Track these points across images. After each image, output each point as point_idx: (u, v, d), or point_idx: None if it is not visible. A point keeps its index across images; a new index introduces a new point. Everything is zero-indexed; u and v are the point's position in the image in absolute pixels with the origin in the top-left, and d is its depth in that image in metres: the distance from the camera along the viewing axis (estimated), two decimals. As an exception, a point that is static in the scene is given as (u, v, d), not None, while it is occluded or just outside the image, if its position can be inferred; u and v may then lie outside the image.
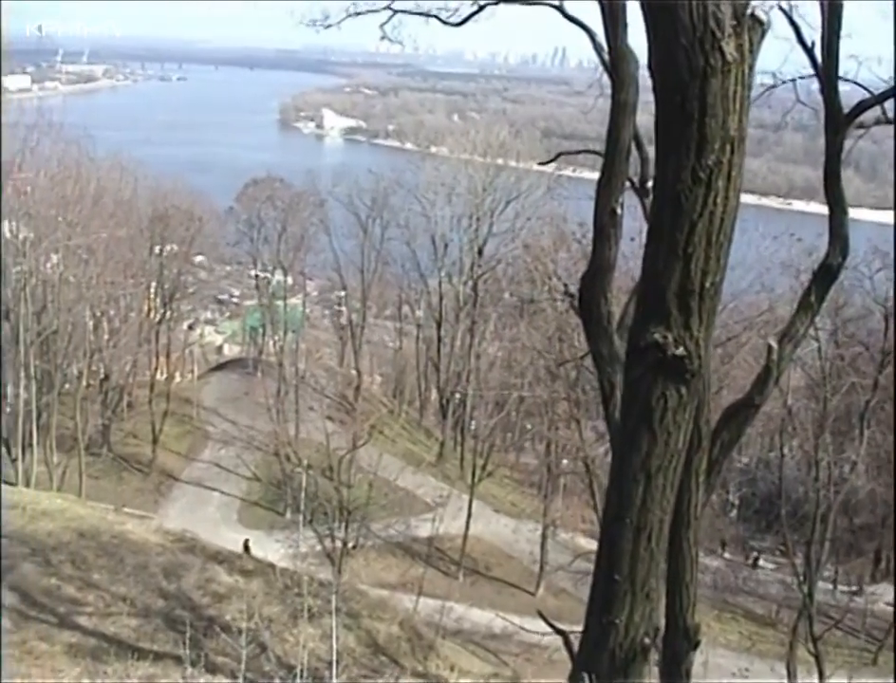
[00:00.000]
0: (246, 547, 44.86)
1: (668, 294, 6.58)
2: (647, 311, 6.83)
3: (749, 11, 6.08)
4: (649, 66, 6.30)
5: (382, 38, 19.42)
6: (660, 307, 6.67)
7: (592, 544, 53.60)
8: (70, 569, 32.53)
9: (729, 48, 5.97)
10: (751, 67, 6.20)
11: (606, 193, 13.22)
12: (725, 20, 5.92)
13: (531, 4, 17.39)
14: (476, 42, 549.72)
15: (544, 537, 57.50)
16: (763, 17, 6.17)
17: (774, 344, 12.39)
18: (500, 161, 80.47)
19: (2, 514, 33.56)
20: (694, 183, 6.27)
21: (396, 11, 18.37)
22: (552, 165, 70.63)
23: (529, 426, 78.76)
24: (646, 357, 6.87)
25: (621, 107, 12.99)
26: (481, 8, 17.39)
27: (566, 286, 25.06)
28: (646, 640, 8.44)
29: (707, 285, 6.54)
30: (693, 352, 6.73)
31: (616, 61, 13.34)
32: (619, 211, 13.26)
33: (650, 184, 16.04)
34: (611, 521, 8.02)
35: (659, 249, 6.62)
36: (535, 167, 77.75)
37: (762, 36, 6.24)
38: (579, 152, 22.60)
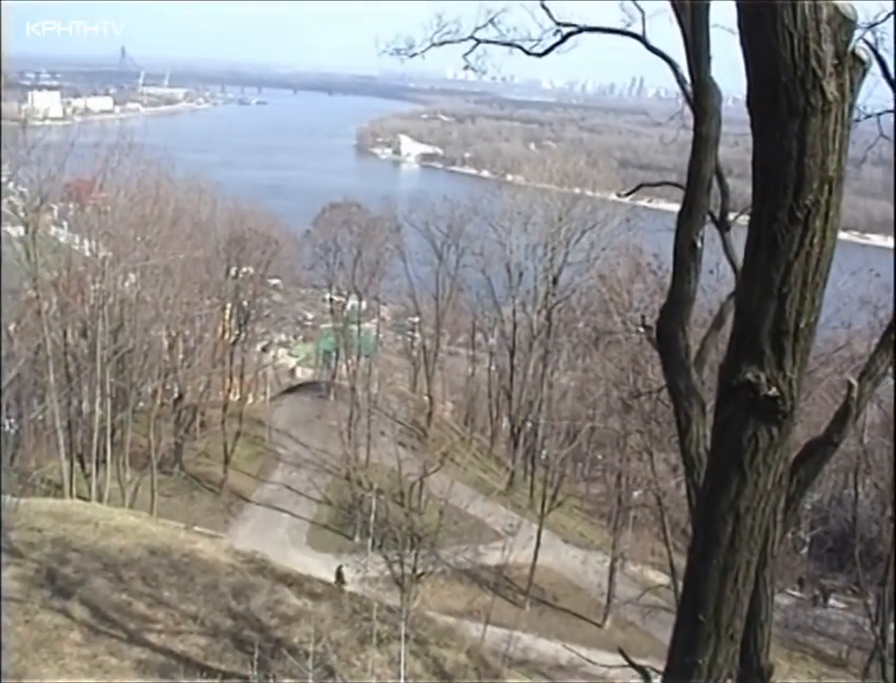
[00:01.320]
0: (339, 576, 44.71)
1: (762, 333, 6.51)
2: (740, 350, 6.76)
3: (850, 50, 6.02)
4: (747, 103, 6.24)
5: (466, 67, 19.41)
6: (753, 347, 6.59)
7: (661, 578, 53.41)
8: (141, 586, 32.81)
9: (830, 88, 5.91)
10: (851, 106, 6.14)
11: (686, 226, 13.14)
12: (827, 59, 5.86)
13: (613, 33, 17.33)
14: (554, 70, 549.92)
15: (612, 569, 57.08)
16: (864, 56, 6.11)
17: (854, 382, 12.23)
18: (576, 191, 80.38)
19: (6, 519, 33.84)
20: (791, 223, 6.20)
21: (479, 41, 18.36)
22: (620, 192, 70.51)
23: (600, 456, 78.30)
24: (738, 396, 6.79)
25: (703, 140, 12.93)
26: (564, 38, 17.34)
27: (643, 318, 24.81)
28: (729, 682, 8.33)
29: (802, 325, 6.47)
30: (786, 393, 6.65)
31: (699, 93, 13.28)
32: (699, 244, 13.19)
33: (730, 217, 15.94)
34: (697, 560, 7.92)
35: (753, 289, 6.56)
36: (612, 197, 77.63)
37: (863, 75, 6.17)
38: (659, 184, 22.44)
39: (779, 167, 6.21)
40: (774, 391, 6.70)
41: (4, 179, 67.69)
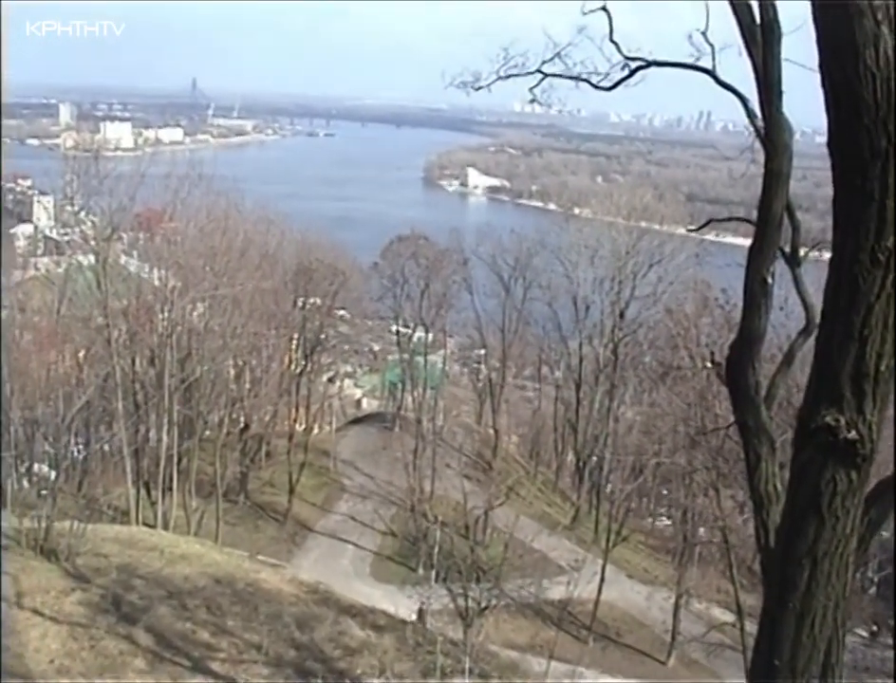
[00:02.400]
0: (421, 615, 44.61)
1: (842, 376, 6.43)
2: (819, 393, 6.68)
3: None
4: (828, 145, 6.18)
5: (532, 101, 19.36)
6: (833, 390, 6.51)
7: (727, 616, 52.83)
8: (205, 614, 32.90)
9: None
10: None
11: (757, 263, 13.04)
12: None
13: (682, 68, 17.23)
14: (621, 103, 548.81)
15: (677, 606, 56.51)
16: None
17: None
18: (644, 224, 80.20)
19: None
20: (872, 265, 6.11)
21: (546, 75, 18.32)
22: (689, 227, 70.22)
23: (665, 492, 77.76)
24: (817, 439, 6.71)
25: (774, 176, 12.83)
26: (632, 72, 17.28)
27: (712, 354, 24.68)
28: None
29: (882, 368, 6.38)
30: (865, 436, 6.56)
31: (770, 129, 13.18)
32: (770, 280, 13.08)
33: (801, 253, 15.81)
34: (773, 605, 7.82)
35: (833, 331, 6.48)
36: (679, 231, 77.35)
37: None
38: (729, 219, 22.28)
39: (861, 209, 6.13)
40: (853, 434, 6.61)
41: (75, 209, 68.70)
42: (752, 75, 13.43)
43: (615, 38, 16.82)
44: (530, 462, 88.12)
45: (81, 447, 72.76)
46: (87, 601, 32.61)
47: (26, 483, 70.05)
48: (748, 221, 14.50)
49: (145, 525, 57.57)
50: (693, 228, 65.89)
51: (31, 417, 71.62)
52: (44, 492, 44.17)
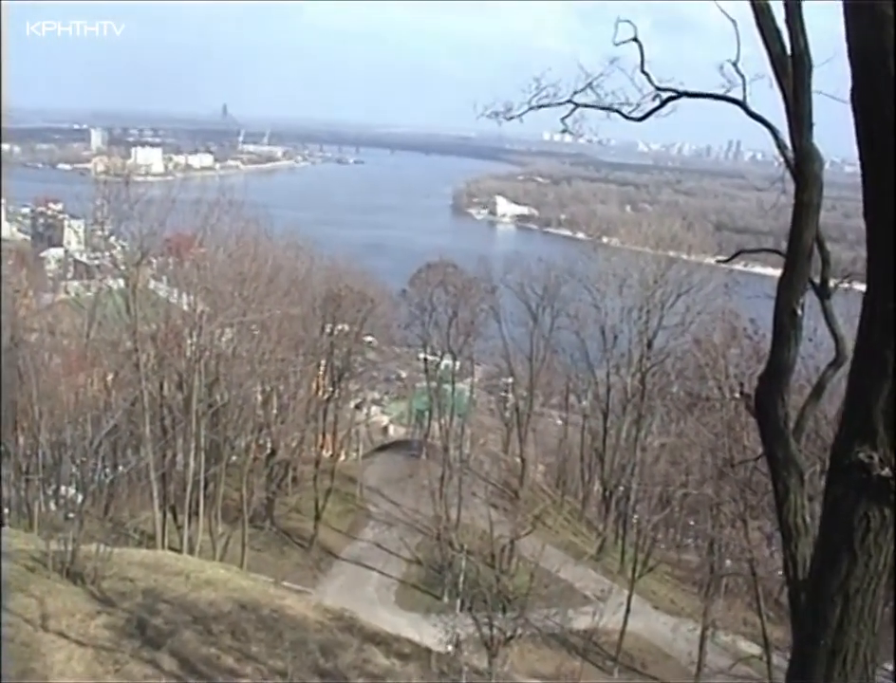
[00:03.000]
0: (457, 644, 44.42)
1: (875, 412, 6.39)
2: (852, 429, 6.64)
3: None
4: (863, 179, 6.15)
5: (563, 131, 19.37)
6: (866, 425, 6.47)
7: (753, 648, 52.45)
8: (230, 640, 32.91)
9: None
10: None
11: (786, 294, 13.00)
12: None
13: (713, 99, 17.22)
14: (651, 133, 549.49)
15: (703, 638, 56.09)
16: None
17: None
18: (672, 254, 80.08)
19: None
20: (907, 299, 6.09)
21: (578, 105, 18.33)
22: (719, 258, 70.09)
23: (692, 523, 77.44)
24: (850, 475, 6.66)
25: (804, 207, 12.79)
26: (663, 103, 17.29)
27: (741, 385, 24.54)
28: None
29: (917, 404, 6.35)
30: (900, 472, 6.53)
31: (801, 160, 13.15)
32: (799, 312, 13.04)
33: (831, 284, 15.75)
34: (805, 641, 7.76)
35: (866, 366, 6.44)
36: (707, 260, 77.17)
37: None
38: (759, 250, 22.27)
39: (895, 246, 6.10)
40: (887, 472, 6.57)
41: (106, 233, 69.07)
42: (782, 106, 13.43)
43: (646, 68, 16.86)
44: (556, 491, 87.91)
45: (108, 470, 72.97)
46: (113, 625, 32.66)
47: (53, 505, 70.43)
48: (778, 252, 14.45)
49: (171, 549, 57.64)
50: (723, 259, 65.61)
51: (59, 440, 71.98)
52: (71, 515, 44.33)
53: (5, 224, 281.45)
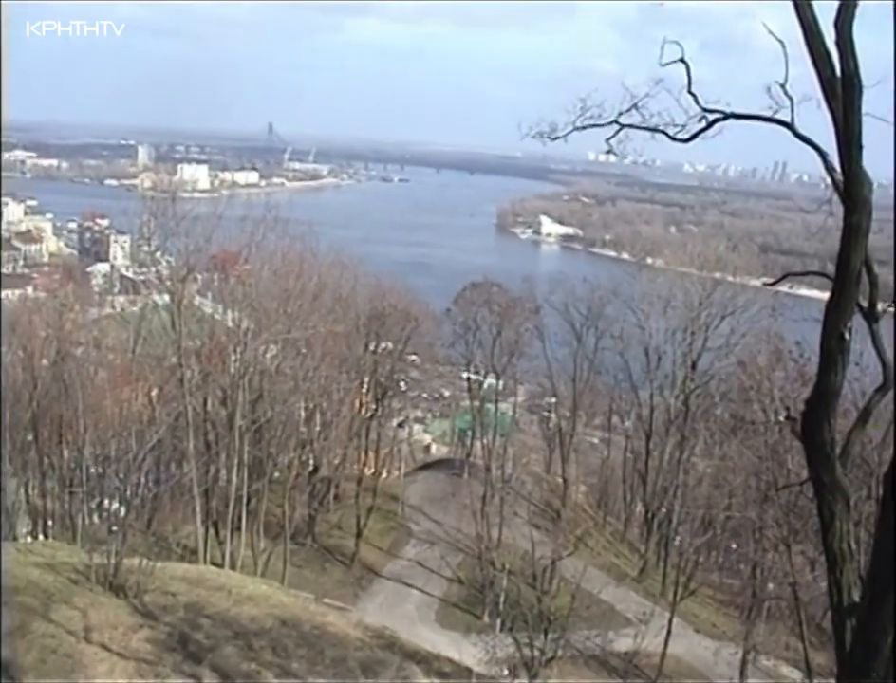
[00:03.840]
0: (511, 670, 44.39)
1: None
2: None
3: None
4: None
5: (608, 151, 19.39)
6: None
7: (795, 674, 52.13)
8: (270, 656, 32.98)
9: None
10: None
11: (834, 318, 12.95)
12: None
13: (761, 121, 17.17)
14: (696, 154, 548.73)
15: (744, 662, 55.62)
16: None
17: None
18: (717, 275, 79.74)
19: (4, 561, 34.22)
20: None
21: (623, 126, 18.34)
22: (766, 281, 69.74)
23: (734, 546, 76.93)
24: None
25: (853, 231, 12.76)
26: (710, 124, 17.26)
27: (787, 409, 24.43)
28: None
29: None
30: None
31: (850, 183, 13.11)
32: (847, 336, 12.98)
33: (879, 308, 15.65)
34: (855, 670, 7.70)
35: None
36: (752, 282, 76.83)
37: None
38: (806, 273, 22.11)
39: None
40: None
41: (152, 249, 69.48)
42: (831, 128, 13.38)
43: (693, 90, 16.84)
44: (598, 512, 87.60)
45: (151, 484, 73.30)
46: (154, 639, 32.80)
47: (96, 518, 70.84)
48: (825, 275, 14.41)
49: (213, 564, 57.82)
50: (769, 281, 65.14)
51: (103, 454, 72.40)
52: (114, 529, 44.48)
53: (52, 239, 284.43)
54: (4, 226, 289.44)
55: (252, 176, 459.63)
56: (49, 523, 72.43)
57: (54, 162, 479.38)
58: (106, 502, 72.80)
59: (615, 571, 70.64)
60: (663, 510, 77.71)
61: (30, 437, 70.43)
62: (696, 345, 75.42)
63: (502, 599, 58.22)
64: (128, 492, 62.73)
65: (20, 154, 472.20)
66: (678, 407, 76.40)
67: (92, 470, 72.38)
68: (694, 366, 75.57)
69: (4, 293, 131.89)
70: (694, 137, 17.69)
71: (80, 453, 70.08)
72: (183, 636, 33.33)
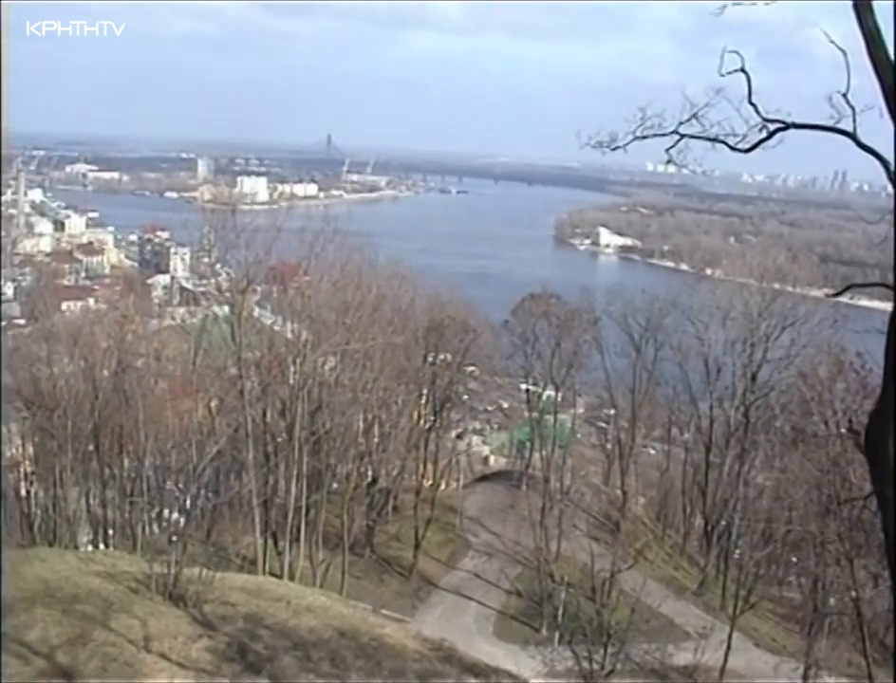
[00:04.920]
0: None
1: None
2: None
3: None
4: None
5: (668, 162, 19.30)
6: None
7: (857, 690, 51.39)
8: (329, 667, 33.03)
9: None
10: None
11: (898, 329, 12.78)
12: None
13: (823, 131, 17.02)
14: (755, 164, 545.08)
15: (805, 677, 54.99)
16: None
17: None
18: (777, 286, 79.00)
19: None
20: None
21: (683, 136, 18.24)
22: (827, 291, 69.19)
23: (795, 560, 76.21)
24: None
25: (916, 241, 12.60)
26: (771, 134, 17.14)
27: (850, 422, 24.18)
28: None
29: None
30: None
31: (913, 193, 12.97)
32: (912, 347, 12.81)
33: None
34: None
35: None
36: (813, 293, 76.12)
37: None
38: (870, 284, 21.87)
39: None
40: None
41: (211, 261, 69.91)
42: (894, 137, 13.23)
43: (754, 99, 16.73)
44: (657, 524, 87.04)
45: (211, 495, 73.74)
46: (214, 649, 32.95)
47: (156, 528, 71.33)
48: (889, 287, 14.24)
49: (272, 575, 58.07)
50: (832, 292, 64.51)
51: (164, 464, 72.97)
52: (174, 539, 44.77)
53: (113, 251, 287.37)
54: (66, 238, 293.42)
55: (311, 189, 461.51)
56: (110, 532, 73.00)
57: (115, 175, 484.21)
58: (166, 512, 73.36)
59: (674, 584, 70.14)
60: (723, 523, 77.08)
61: (92, 447, 71.00)
62: (756, 357, 74.80)
63: (561, 611, 58.00)
64: (188, 503, 63.43)
65: (82, 167, 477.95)
66: (737, 419, 75.78)
67: (152, 480, 72.97)
68: (754, 378, 74.96)
69: (66, 305, 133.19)
70: (754, 147, 17.57)
71: (140, 464, 70.64)
72: (242, 647, 33.46)
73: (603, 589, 52.90)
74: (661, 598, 59.03)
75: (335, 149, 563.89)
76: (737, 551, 74.77)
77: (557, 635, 56.05)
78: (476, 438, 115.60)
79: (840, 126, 15.93)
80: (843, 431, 37.78)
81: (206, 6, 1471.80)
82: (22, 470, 73.90)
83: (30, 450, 74.09)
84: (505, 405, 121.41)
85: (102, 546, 70.11)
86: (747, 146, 17.56)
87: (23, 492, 72.99)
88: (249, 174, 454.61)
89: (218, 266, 71.50)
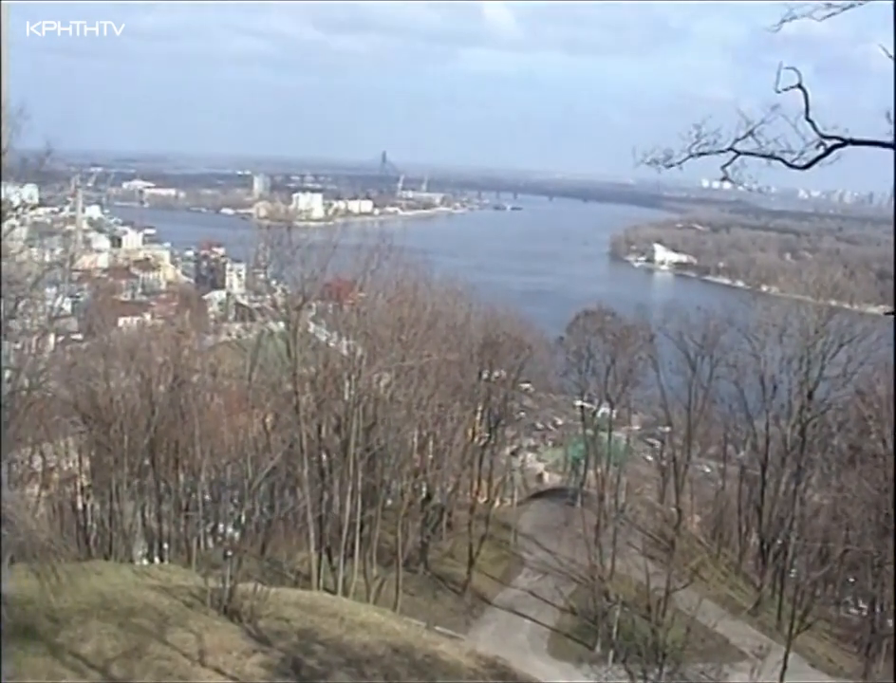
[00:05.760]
0: None
1: None
2: None
3: None
4: None
5: (723, 179, 19.25)
6: None
7: (916, 713, 50.77)
8: (382, 683, 33.03)
9: None
10: None
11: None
12: None
13: (882, 147, 16.94)
14: (811, 180, 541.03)
15: (862, 699, 54.62)
16: None
17: None
18: (833, 303, 78.41)
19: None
20: None
21: (739, 153, 18.20)
22: (885, 308, 68.60)
23: (853, 580, 75.53)
24: None
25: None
26: (829, 150, 17.07)
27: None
28: None
29: None
30: None
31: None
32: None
33: None
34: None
35: None
36: (870, 310, 75.53)
37: None
38: (929, 301, 21.73)
39: None
40: None
41: (267, 277, 70.30)
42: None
43: (811, 116, 16.67)
44: (712, 543, 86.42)
45: (265, 510, 74.07)
46: (268, 664, 33.09)
47: (211, 543, 71.76)
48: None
49: (326, 590, 58.18)
50: (890, 309, 63.97)
51: (219, 479, 73.38)
52: (229, 553, 45.04)
53: (169, 267, 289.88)
54: (123, 254, 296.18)
55: (366, 205, 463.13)
56: (165, 546, 73.45)
57: (172, 192, 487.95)
58: (221, 526, 73.79)
59: (730, 604, 69.61)
60: (779, 542, 76.43)
61: (147, 462, 71.45)
62: (812, 374, 74.17)
63: (615, 629, 57.70)
64: (243, 517, 63.77)
65: (139, 184, 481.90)
66: (794, 437, 75.16)
67: (207, 495, 73.39)
68: (811, 395, 74.34)
69: (122, 320, 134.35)
70: (812, 163, 17.51)
71: (196, 478, 71.05)
72: (296, 662, 33.58)
73: (658, 608, 52.62)
74: (716, 617, 58.45)
75: (390, 166, 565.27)
76: (794, 570, 74.14)
77: (611, 653, 55.72)
78: (530, 455, 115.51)
79: (900, 143, 15.85)
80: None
81: (263, 24, 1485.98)
82: (78, 483, 74.47)
83: (87, 464, 74.67)
84: (560, 422, 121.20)
85: (157, 560, 70.58)
86: (804, 163, 17.50)
87: (79, 506, 73.54)
88: (304, 190, 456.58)
89: (274, 282, 71.87)
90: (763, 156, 17.91)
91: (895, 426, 49.35)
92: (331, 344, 74.94)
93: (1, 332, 46.80)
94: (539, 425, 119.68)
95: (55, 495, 72.12)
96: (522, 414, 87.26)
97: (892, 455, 45.76)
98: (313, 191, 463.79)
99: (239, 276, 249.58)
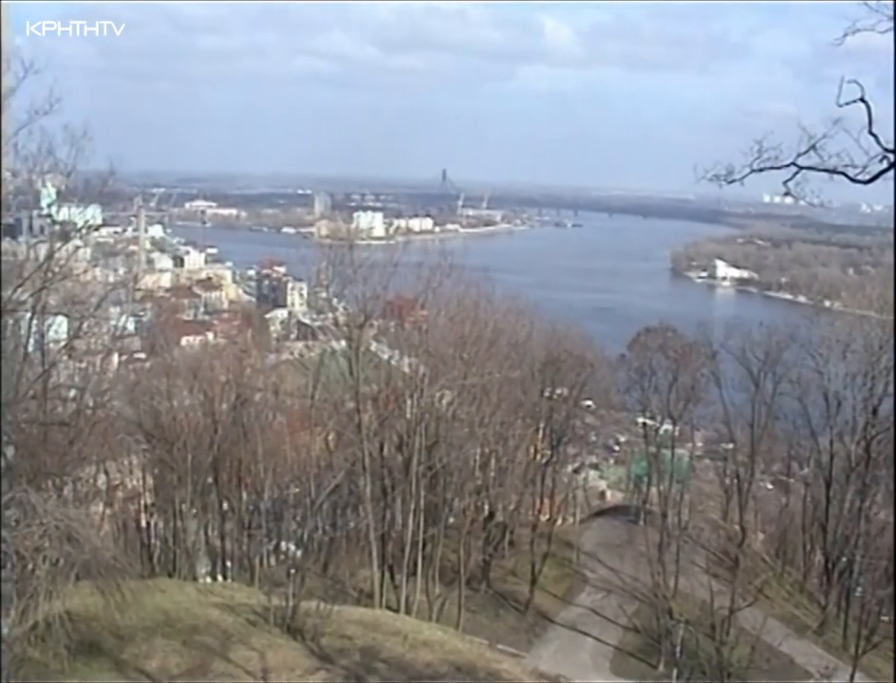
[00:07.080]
0: None
1: None
2: None
3: None
4: None
5: (786, 194, 19.18)
6: None
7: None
8: (445, 703, 33.02)
9: None
10: None
11: None
12: None
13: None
14: (873, 194, 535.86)
15: (930, 719, 53.89)
16: None
17: None
18: (897, 318, 77.66)
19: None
20: None
21: (801, 168, 18.12)
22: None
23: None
24: None
25: None
26: (892, 165, 16.95)
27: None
28: None
29: None
30: None
31: None
32: None
33: None
34: None
35: None
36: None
37: None
38: None
39: None
40: None
41: (328, 295, 70.54)
42: None
43: (874, 130, 16.57)
44: (777, 561, 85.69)
45: (328, 528, 74.28)
46: (331, 682, 33.14)
47: (273, 561, 72.05)
48: None
49: (388, 608, 58.25)
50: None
51: (282, 497, 73.66)
52: (292, 571, 45.20)
53: (231, 286, 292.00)
54: (185, 274, 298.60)
55: (427, 223, 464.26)
56: (228, 564, 73.82)
57: (233, 212, 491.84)
58: (284, 545, 74.02)
59: (795, 622, 68.96)
60: (844, 560, 75.68)
61: (210, 480, 71.83)
62: (877, 390, 73.48)
63: (679, 648, 57.38)
64: (306, 536, 64.05)
65: (201, 204, 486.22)
66: (858, 454, 74.45)
67: (270, 513, 73.68)
68: (875, 412, 73.65)
69: (185, 339, 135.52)
70: (875, 177, 17.41)
71: (258, 497, 71.46)
72: (359, 680, 33.68)
73: (722, 626, 52.31)
74: (781, 636, 58.07)
75: (450, 184, 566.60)
76: (859, 589, 73.27)
77: (675, 672, 55.46)
78: (592, 473, 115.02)
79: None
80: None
81: (323, 44, 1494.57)
82: (142, 501, 75.10)
83: (151, 482, 75.24)
84: (622, 439, 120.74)
85: (220, 578, 70.95)
86: (867, 177, 17.40)
87: (143, 524, 74.14)
88: (365, 209, 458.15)
89: (335, 300, 72.06)
90: (826, 170, 17.84)
91: (894, 434, 48.88)
92: (393, 362, 74.99)
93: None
94: (602, 443, 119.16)
95: (119, 513, 72.66)
96: (584, 431, 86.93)
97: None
98: (374, 209, 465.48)
99: (301, 295, 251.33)
